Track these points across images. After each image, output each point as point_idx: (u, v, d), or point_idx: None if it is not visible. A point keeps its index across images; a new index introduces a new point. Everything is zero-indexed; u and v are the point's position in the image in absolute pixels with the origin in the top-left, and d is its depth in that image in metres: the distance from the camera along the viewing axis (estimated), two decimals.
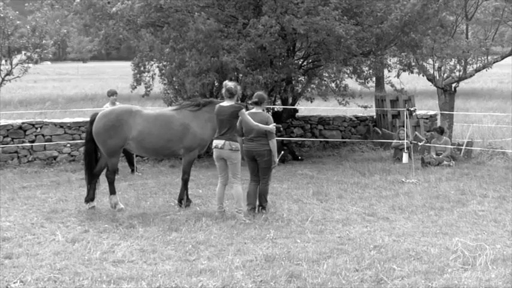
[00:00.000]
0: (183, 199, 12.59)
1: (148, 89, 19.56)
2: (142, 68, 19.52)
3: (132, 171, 16.71)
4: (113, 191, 12.46)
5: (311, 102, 20.98)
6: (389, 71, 20.93)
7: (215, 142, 11.48)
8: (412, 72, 20.34)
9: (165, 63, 19.34)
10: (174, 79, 19.03)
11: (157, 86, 20.46)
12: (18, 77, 18.74)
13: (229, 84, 11.48)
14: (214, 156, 11.59)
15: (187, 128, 12.39)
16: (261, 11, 17.92)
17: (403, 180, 15.37)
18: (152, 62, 19.80)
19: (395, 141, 18.84)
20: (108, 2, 18.75)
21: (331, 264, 8.76)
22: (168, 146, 12.48)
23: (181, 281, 8.17)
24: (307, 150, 20.79)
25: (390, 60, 20.59)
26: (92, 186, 12.57)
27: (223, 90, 11.51)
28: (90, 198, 12.56)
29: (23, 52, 19.33)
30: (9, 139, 18.22)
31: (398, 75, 20.16)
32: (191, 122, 12.42)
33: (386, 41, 18.73)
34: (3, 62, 18.94)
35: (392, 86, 20.22)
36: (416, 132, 19.55)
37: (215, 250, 9.59)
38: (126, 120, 12.16)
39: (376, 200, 13.21)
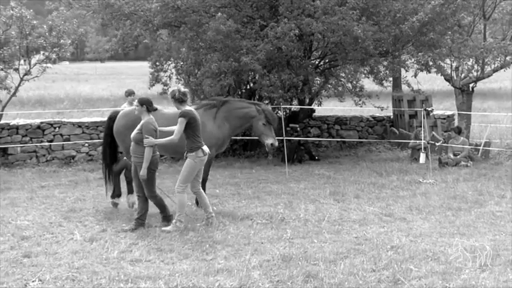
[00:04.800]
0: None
1: (166, 88, 19.68)
2: (159, 67, 19.64)
3: None
4: (130, 190, 12.59)
5: (320, 104, 20.91)
6: (406, 71, 20.86)
7: (206, 149, 11.06)
8: (429, 72, 20.23)
9: (182, 63, 19.43)
10: (191, 79, 19.10)
11: (175, 86, 20.49)
12: (36, 76, 18.80)
13: (183, 88, 11.10)
14: (202, 164, 11.06)
15: (204, 127, 12.42)
16: (278, 11, 17.93)
17: (421, 180, 15.33)
18: (169, 62, 19.90)
19: (412, 141, 18.78)
20: (126, 2, 18.84)
21: (348, 265, 8.76)
22: (184, 145, 12.54)
23: (199, 280, 8.20)
24: (324, 150, 20.78)
25: (407, 60, 20.51)
26: (115, 182, 12.79)
27: (177, 94, 10.90)
28: (117, 194, 12.83)
29: (41, 52, 19.40)
30: (27, 138, 18.37)
31: (415, 75, 20.09)
32: (208, 121, 12.47)
33: (403, 41, 18.66)
34: (21, 61, 19.04)
35: (409, 86, 20.15)
36: (434, 133, 19.47)
37: (232, 250, 9.62)
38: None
39: (393, 200, 13.18)
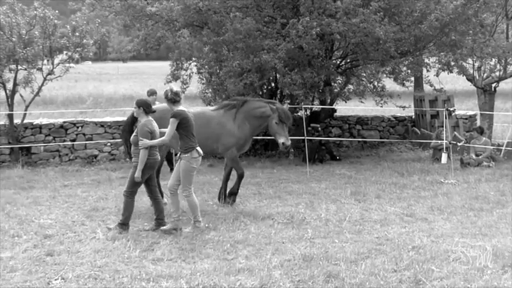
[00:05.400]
0: (235, 193, 12.79)
1: (185, 87, 19.73)
2: (180, 65, 19.71)
3: (171, 170, 16.82)
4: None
5: (346, 101, 20.85)
6: (428, 71, 20.78)
7: (200, 150, 10.80)
8: (451, 72, 20.15)
9: (203, 62, 19.49)
10: (212, 79, 19.16)
11: (196, 86, 20.60)
12: (59, 76, 18.93)
13: (175, 88, 10.86)
14: (197, 164, 10.85)
15: (224, 126, 12.51)
16: (299, 11, 17.95)
17: (442, 180, 15.27)
18: (190, 61, 19.98)
19: (434, 141, 18.70)
20: (148, 3, 18.95)
21: (369, 265, 8.76)
22: (206, 144, 12.63)
23: (220, 279, 8.22)
24: (345, 150, 20.75)
25: (429, 60, 20.42)
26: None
27: (170, 94, 10.69)
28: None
29: (64, 52, 19.52)
30: (50, 138, 18.54)
31: (437, 75, 20.01)
32: (228, 121, 12.55)
33: (425, 41, 18.59)
34: (45, 61, 19.19)
35: (431, 85, 20.07)
36: (456, 133, 19.38)
37: (253, 249, 9.65)
38: (166, 118, 12.40)
39: (414, 200, 13.14)
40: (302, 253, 9.30)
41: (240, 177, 12.74)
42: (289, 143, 12.68)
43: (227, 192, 12.91)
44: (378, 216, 11.73)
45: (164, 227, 10.77)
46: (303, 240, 10.10)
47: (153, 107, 11.64)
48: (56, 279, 8.37)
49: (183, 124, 10.52)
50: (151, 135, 10.64)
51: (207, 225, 10.96)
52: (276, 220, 11.40)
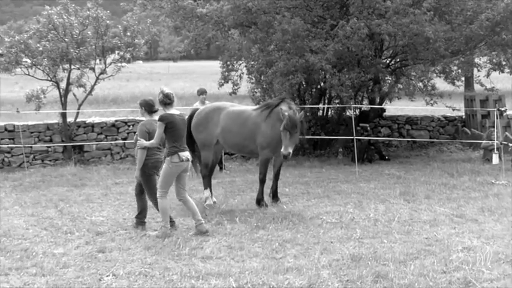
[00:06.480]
0: (260, 199, 12.67)
1: (236, 88, 19.92)
2: (230, 67, 19.86)
3: (221, 169, 16.97)
4: (205, 186, 13.03)
5: (398, 99, 20.68)
6: (478, 71, 20.51)
7: (185, 155, 10.53)
8: (502, 72, 19.87)
9: (252, 62, 19.59)
10: (262, 78, 19.24)
11: (245, 85, 20.71)
12: (111, 75, 19.22)
13: (166, 90, 10.58)
14: (178, 170, 10.52)
15: (259, 127, 12.48)
16: (348, 11, 17.91)
17: (493, 181, 15.07)
18: (240, 62, 20.10)
19: (484, 141, 18.47)
20: (197, 4, 19.11)
21: (418, 266, 8.72)
22: (244, 144, 12.76)
23: (268, 278, 8.28)
24: (394, 150, 20.63)
25: (480, 60, 20.17)
26: (205, 183, 13.15)
27: (160, 97, 10.51)
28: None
29: (116, 51, 19.80)
30: (102, 136, 18.88)
31: (488, 75, 19.74)
32: (263, 121, 12.47)
33: (476, 40, 18.37)
34: (97, 61, 19.50)
35: (482, 85, 19.81)
36: (507, 133, 19.09)
37: (301, 249, 9.68)
38: (212, 118, 12.85)
39: (464, 201, 13.00)
40: (350, 253, 9.31)
41: (260, 182, 12.69)
42: (287, 152, 11.82)
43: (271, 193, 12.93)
44: (427, 217, 11.65)
45: (156, 233, 10.65)
46: (351, 240, 10.10)
47: (206, 106, 11.79)
48: (107, 276, 8.53)
49: (169, 128, 10.36)
50: (150, 135, 10.73)
51: (170, 230, 10.66)
52: (325, 220, 11.42)
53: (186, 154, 10.55)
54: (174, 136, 10.40)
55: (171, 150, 10.41)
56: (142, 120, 11.38)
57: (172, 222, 10.88)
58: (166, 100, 10.48)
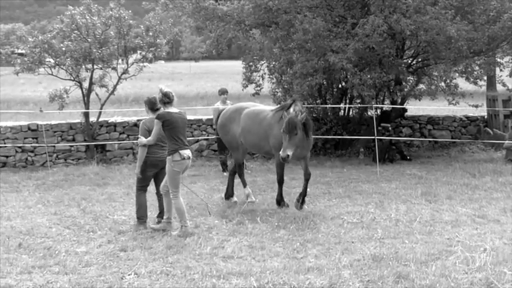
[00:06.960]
0: (280, 200, 12.64)
1: (259, 88, 19.97)
2: (253, 67, 19.90)
3: (223, 170, 17.00)
4: (243, 184, 13.33)
5: (419, 100, 20.59)
6: (501, 70, 20.40)
7: (186, 152, 10.60)
8: None
9: (274, 62, 19.61)
10: (283, 78, 19.26)
11: (268, 86, 20.72)
12: (133, 75, 19.32)
13: (165, 89, 10.61)
14: (181, 168, 10.63)
15: (272, 128, 12.42)
16: (369, 10, 17.88)
17: None
18: (262, 62, 20.13)
19: (507, 141, 18.35)
20: (218, 4, 19.16)
21: (439, 266, 8.69)
22: (261, 144, 12.79)
23: (289, 278, 8.29)
24: (415, 150, 20.56)
25: (502, 59, 20.04)
26: (228, 183, 13.41)
27: (160, 95, 10.58)
28: (229, 194, 13.35)
29: (138, 51, 19.91)
30: (125, 136, 19.00)
31: (511, 75, 19.60)
32: (276, 122, 12.35)
33: (498, 40, 18.27)
34: (119, 61, 19.61)
35: (504, 85, 19.69)
36: None
37: (323, 248, 9.69)
38: (235, 118, 13.00)
39: (486, 202, 12.92)
40: (372, 253, 9.30)
41: (278, 183, 12.64)
42: (285, 155, 11.58)
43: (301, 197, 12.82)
44: (448, 217, 11.61)
45: (154, 226, 10.99)
46: (372, 240, 10.09)
47: (230, 106, 11.85)
48: (129, 274, 8.59)
49: (167, 126, 10.43)
50: (150, 133, 10.82)
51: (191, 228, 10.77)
52: (346, 220, 11.42)
53: (188, 152, 10.64)
54: (173, 134, 10.48)
55: (172, 149, 10.52)
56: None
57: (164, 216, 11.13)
58: (165, 99, 10.55)
